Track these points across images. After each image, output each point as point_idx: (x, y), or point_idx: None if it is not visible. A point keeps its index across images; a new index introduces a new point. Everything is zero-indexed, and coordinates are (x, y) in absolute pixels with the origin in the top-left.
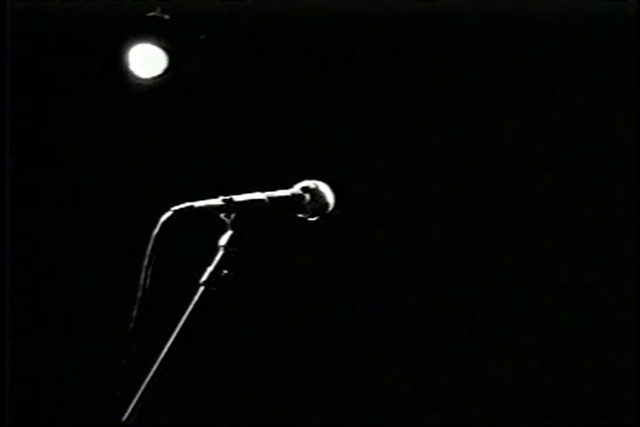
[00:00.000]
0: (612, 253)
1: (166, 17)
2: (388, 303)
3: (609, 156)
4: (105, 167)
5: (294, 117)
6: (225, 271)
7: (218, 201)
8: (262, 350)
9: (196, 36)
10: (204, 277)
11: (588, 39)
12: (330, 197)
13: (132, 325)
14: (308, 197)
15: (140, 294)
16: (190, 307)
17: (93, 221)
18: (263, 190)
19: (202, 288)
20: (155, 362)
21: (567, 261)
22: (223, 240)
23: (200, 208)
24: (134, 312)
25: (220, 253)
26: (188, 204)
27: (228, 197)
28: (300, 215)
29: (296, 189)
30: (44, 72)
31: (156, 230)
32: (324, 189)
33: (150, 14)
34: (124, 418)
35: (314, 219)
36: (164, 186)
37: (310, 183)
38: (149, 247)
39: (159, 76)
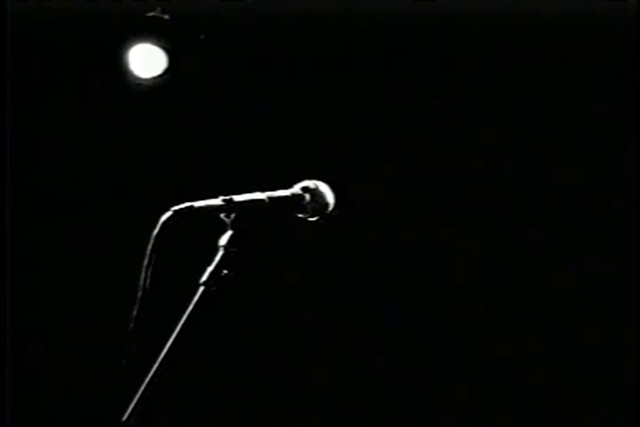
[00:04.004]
0: (612, 254)
1: (166, 17)
2: (388, 303)
3: (609, 155)
4: (105, 167)
5: (294, 117)
6: (225, 271)
7: (218, 201)
8: (262, 350)
9: (195, 36)
10: (203, 277)
11: (588, 39)
12: (330, 197)
13: (131, 325)
14: (307, 197)
15: (140, 294)
16: (190, 307)
17: (93, 220)
18: (263, 190)
19: (202, 288)
20: (155, 362)
21: (567, 261)
22: (223, 240)
23: (200, 208)
24: (134, 312)
25: (220, 253)
26: (188, 204)
27: (228, 197)
28: (300, 215)
29: (296, 189)
30: (44, 72)
31: (156, 230)
32: (324, 189)
33: (150, 14)
34: (124, 418)
35: (314, 219)
36: (164, 186)
37: (310, 183)
38: (149, 247)
39: (159, 76)
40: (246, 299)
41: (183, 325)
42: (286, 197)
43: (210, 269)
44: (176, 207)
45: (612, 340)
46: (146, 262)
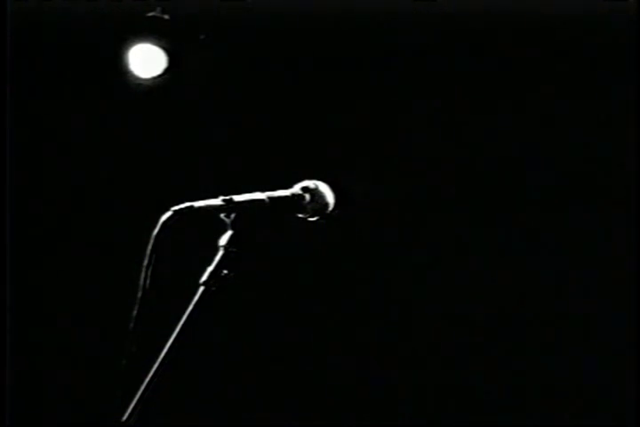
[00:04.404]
0: (612, 254)
1: (166, 17)
2: (388, 303)
3: (609, 156)
4: (105, 167)
5: (294, 117)
6: (225, 271)
7: (218, 201)
8: (262, 349)
9: (195, 36)
10: (203, 277)
11: (588, 39)
12: (330, 197)
13: (131, 325)
14: (307, 197)
15: (140, 294)
16: (190, 307)
17: (93, 221)
18: (263, 190)
19: (202, 288)
20: (155, 362)
21: (567, 261)
22: (223, 240)
23: (200, 208)
24: (134, 312)
25: (220, 253)
26: (188, 204)
27: (228, 197)
28: (300, 215)
29: (296, 189)
30: (44, 72)
31: (156, 230)
32: (324, 189)
33: (150, 14)
34: (124, 418)
35: (314, 219)
36: (164, 186)
37: (310, 183)
38: (149, 247)
39: (159, 76)
40: (246, 299)
41: (183, 325)
42: (286, 197)
43: (210, 269)
44: (176, 207)
45: (612, 340)
46: (146, 262)
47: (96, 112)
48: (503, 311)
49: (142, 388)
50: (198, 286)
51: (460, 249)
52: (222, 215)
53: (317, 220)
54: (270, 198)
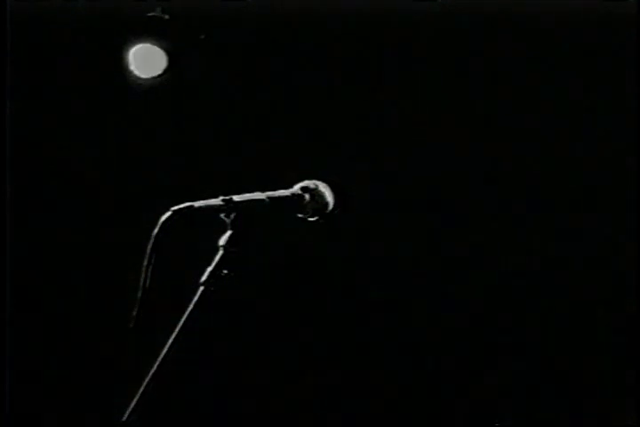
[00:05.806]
0: (612, 254)
1: (166, 17)
2: (387, 303)
3: (609, 155)
4: (105, 167)
5: (294, 117)
6: (225, 271)
7: (218, 201)
8: (262, 349)
9: (196, 36)
10: (203, 277)
11: (588, 39)
12: (330, 197)
13: (131, 325)
14: (307, 196)
15: (139, 294)
16: (190, 307)
17: (93, 221)
18: (263, 190)
19: (202, 288)
20: (155, 362)
21: (568, 262)
22: (223, 240)
23: (200, 208)
24: (134, 312)
25: (220, 253)
26: (187, 204)
27: (227, 197)
28: (299, 215)
29: (296, 189)
30: (44, 72)
31: (155, 230)
32: (324, 188)
33: (150, 14)
34: (124, 418)
35: (314, 219)
36: (164, 186)
37: (310, 183)
38: (149, 247)
39: (159, 76)
40: (246, 299)
41: (183, 325)
42: (286, 197)
43: (210, 269)
44: (176, 207)
45: (613, 339)
46: (146, 262)
47: (96, 112)
48: (502, 312)
49: (142, 388)
50: (198, 285)
51: (459, 249)
52: (222, 215)
53: (317, 220)
54: (270, 198)
